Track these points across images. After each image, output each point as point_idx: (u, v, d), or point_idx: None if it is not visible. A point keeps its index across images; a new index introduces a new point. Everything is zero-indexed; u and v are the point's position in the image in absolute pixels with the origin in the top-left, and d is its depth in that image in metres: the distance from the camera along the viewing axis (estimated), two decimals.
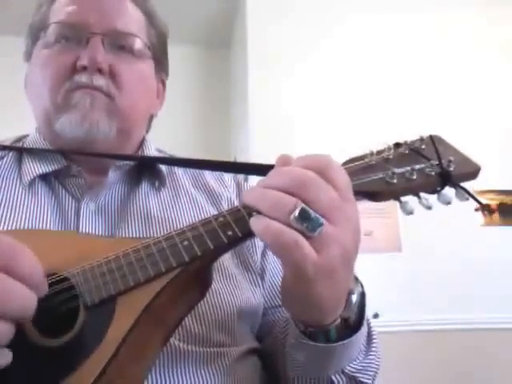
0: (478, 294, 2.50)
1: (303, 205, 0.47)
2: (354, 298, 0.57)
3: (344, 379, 0.64)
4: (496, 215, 2.70)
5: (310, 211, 0.47)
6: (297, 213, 0.46)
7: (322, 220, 0.47)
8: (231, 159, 3.30)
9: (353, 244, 0.50)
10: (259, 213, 0.49)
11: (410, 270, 2.52)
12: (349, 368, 0.63)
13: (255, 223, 0.49)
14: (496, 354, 2.48)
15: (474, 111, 2.83)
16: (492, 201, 2.68)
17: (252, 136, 2.73)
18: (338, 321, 0.56)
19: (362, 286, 0.60)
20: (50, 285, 0.51)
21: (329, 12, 2.90)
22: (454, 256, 2.53)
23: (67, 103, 0.75)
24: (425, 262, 2.51)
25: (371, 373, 0.67)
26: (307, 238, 0.46)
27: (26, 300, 0.45)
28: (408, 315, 2.49)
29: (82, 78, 0.75)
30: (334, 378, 0.63)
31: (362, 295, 0.59)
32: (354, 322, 0.58)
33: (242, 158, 2.97)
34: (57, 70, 0.76)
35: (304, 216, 0.46)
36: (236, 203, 0.85)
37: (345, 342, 0.57)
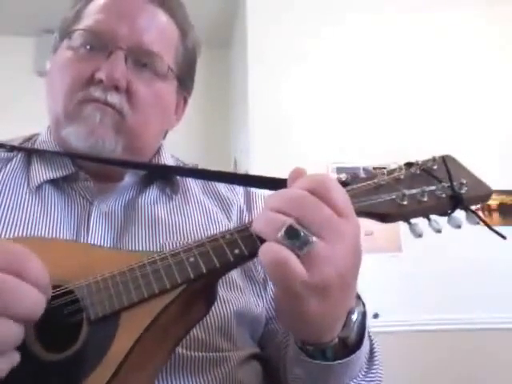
0: (478, 294, 2.51)
1: (291, 222, 0.47)
2: (354, 317, 0.56)
3: None
4: (496, 215, 2.70)
5: (299, 229, 0.47)
6: (283, 230, 0.46)
7: (312, 238, 0.47)
8: (231, 159, 3.29)
9: (349, 262, 0.50)
10: None
11: (410, 270, 2.52)
12: None
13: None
14: (496, 354, 2.49)
15: (474, 111, 2.83)
16: (492, 201, 2.68)
17: (252, 136, 2.73)
18: (336, 340, 0.55)
19: (363, 305, 0.59)
20: (54, 298, 0.51)
21: (329, 12, 2.89)
22: (454, 256, 2.53)
23: (77, 114, 0.74)
24: (425, 262, 2.51)
25: None
26: (297, 256, 0.46)
27: (35, 302, 0.46)
28: (408, 315, 2.50)
29: (97, 92, 0.74)
30: None
31: (363, 315, 0.58)
32: (353, 342, 0.57)
33: (242, 158, 2.97)
34: (74, 77, 0.75)
35: (292, 234, 0.46)
36: (245, 210, 0.85)
37: (342, 361, 0.56)
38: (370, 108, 2.76)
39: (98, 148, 0.74)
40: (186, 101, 0.93)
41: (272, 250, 0.47)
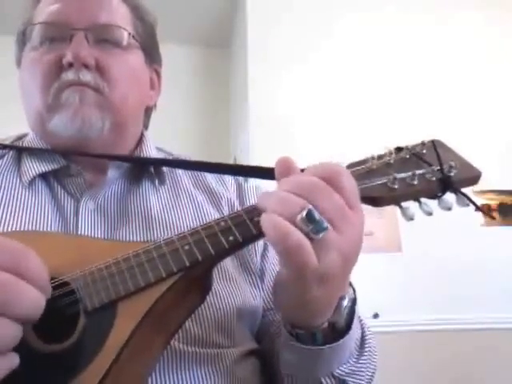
0: (477, 294, 2.51)
1: (310, 206, 0.47)
2: (345, 303, 0.57)
3: (334, 382, 0.64)
4: (496, 215, 2.70)
5: (316, 214, 0.47)
6: (304, 213, 0.46)
7: (327, 224, 0.47)
8: (231, 159, 3.29)
9: (354, 252, 0.50)
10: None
11: (409, 270, 2.52)
12: (338, 371, 0.63)
13: (264, 219, 0.49)
14: (495, 354, 2.48)
15: (474, 111, 2.83)
16: (492, 201, 2.68)
17: (252, 136, 2.73)
18: (326, 324, 0.56)
19: (354, 292, 0.60)
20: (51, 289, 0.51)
21: (329, 11, 2.90)
22: (454, 256, 2.53)
23: (57, 103, 0.75)
24: (425, 261, 2.51)
25: (363, 377, 0.66)
26: (310, 240, 0.47)
27: (35, 302, 0.45)
28: (408, 315, 2.49)
29: (69, 76, 0.74)
30: (323, 380, 0.63)
31: (353, 301, 0.59)
32: (341, 327, 0.58)
33: (242, 158, 2.97)
34: (44, 70, 0.76)
35: (310, 218, 0.46)
36: (236, 204, 0.85)
37: (331, 345, 0.57)
38: (370, 108, 2.76)
39: (85, 129, 0.74)
40: (158, 75, 0.93)
41: (290, 235, 0.46)
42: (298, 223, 0.46)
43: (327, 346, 0.57)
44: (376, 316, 2.41)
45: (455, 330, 2.50)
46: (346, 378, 0.64)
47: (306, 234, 0.46)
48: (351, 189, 0.51)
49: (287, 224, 0.47)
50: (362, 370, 0.66)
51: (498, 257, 2.57)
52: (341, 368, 0.63)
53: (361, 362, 0.66)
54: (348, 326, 0.59)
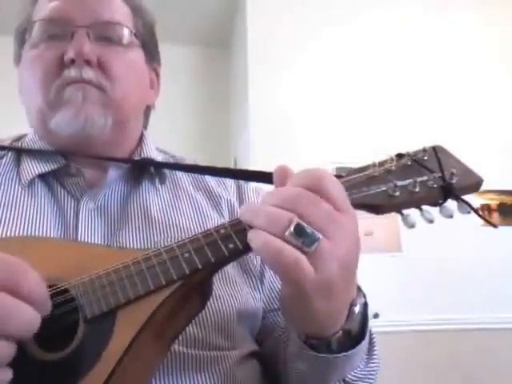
0: (477, 294, 2.51)
1: (298, 220, 0.46)
2: (357, 309, 0.56)
3: None
4: (496, 215, 2.70)
5: (306, 226, 0.46)
6: (292, 228, 0.46)
7: (318, 235, 0.46)
8: (231, 159, 3.29)
9: (351, 255, 0.50)
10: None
11: (410, 270, 2.52)
12: (350, 376, 0.63)
13: (253, 238, 0.48)
14: (496, 354, 2.49)
15: (474, 111, 2.83)
16: (492, 201, 2.68)
17: (252, 136, 2.73)
18: (340, 333, 0.55)
19: (364, 297, 0.59)
20: (50, 297, 0.50)
21: (329, 11, 2.90)
22: (454, 256, 2.53)
23: (60, 100, 0.74)
24: (425, 261, 2.52)
25: (371, 380, 0.67)
26: (304, 253, 0.46)
27: (29, 320, 0.45)
28: (408, 315, 2.50)
29: (72, 73, 0.74)
30: None
31: (365, 306, 0.58)
32: (356, 333, 0.57)
33: (243, 158, 2.97)
34: (45, 67, 0.75)
35: (300, 231, 0.46)
36: (236, 206, 0.84)
37: (347, 353, 0.56)
38: (370, 108, 2.76)
39: (88, 127, 0.74)
40: (157, 75, 0.93)
41: (283, 252, 0.46)
42: (287, 238, 0.46)
43: (343, 354, 0.56)
44: (376, 316, 2.41)
45: (455, 329, 2.50)
46: (358, 383, 0.64)
47: (299, 248, 0.46)
48: (336, 192, 0.50)
49: (278, 241, 0.46)
50: (371, 373, 0.66)
51: (498, 257, 2.57)
52: (352, 373, 0.63)
53: (369, 366, 0.66)
54: (362, 332, 0.58)
